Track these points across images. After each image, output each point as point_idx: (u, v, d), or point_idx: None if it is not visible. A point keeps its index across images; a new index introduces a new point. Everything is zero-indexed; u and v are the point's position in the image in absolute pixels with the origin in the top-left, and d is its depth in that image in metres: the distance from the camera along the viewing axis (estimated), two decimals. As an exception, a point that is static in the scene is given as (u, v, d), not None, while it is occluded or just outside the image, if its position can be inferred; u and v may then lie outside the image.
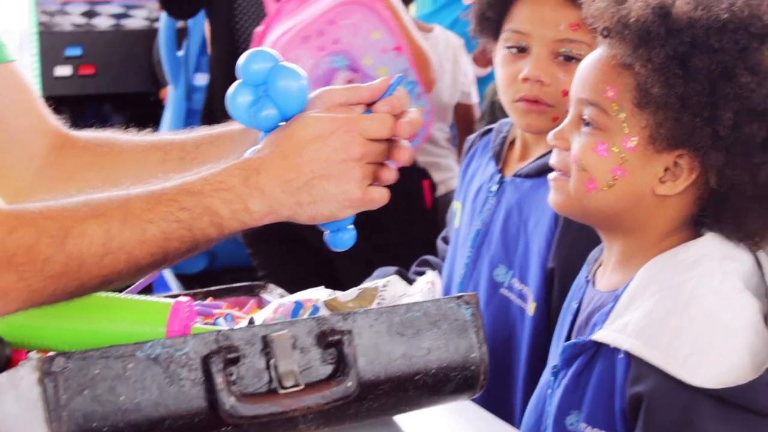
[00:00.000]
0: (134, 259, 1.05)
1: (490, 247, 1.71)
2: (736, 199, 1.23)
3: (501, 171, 1.75)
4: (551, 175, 1.33)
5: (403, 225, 2.53)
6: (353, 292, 1.33)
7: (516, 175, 1.71)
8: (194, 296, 1.58)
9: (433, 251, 1.97)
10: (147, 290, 1.33)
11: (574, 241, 1.57)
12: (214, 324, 1.34)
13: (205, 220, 1.07)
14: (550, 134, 1.33)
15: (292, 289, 2.69)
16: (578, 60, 1.59)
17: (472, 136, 1.92)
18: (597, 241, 1.55)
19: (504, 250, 1.68)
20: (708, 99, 1.19)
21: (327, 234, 1.19)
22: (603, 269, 1.36)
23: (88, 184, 1.22)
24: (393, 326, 1.13)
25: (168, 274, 3.80)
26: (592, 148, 1.27)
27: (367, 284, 1.34)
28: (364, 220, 2.48)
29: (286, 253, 2.69)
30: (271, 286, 1.64)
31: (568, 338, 1.37)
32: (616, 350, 1.22)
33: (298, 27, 2.34)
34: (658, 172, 1.25)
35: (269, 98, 1.15)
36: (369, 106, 1.18)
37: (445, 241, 1.93)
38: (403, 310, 1.14)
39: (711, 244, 1.25)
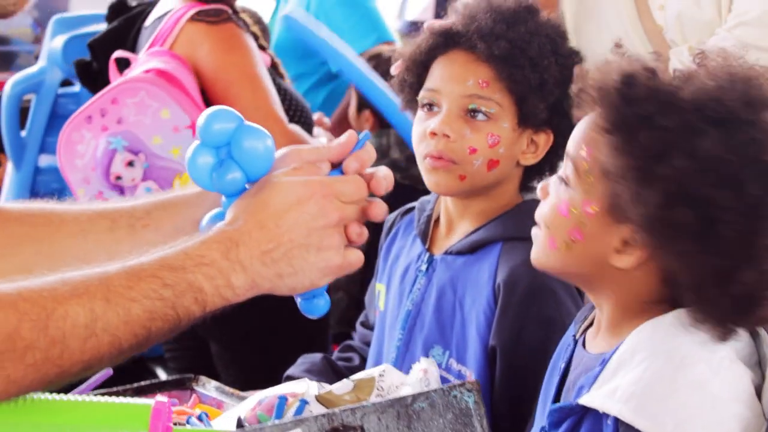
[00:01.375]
0: (117, 342, 0.99)
1: (423, 328, 1.68)
2: (686, 283, 1.21)
3: (429, 249, 1.73)
4: (533, 231, 1.33)
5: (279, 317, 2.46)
6: (347, 384, 1.30)
7: (447, 253, 1.69)
8: (124, 393, 1.49)
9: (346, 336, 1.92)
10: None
11: (517, 318, 1.56)
12: (187, 423, 1.25)
13: (189, 297, 1.03)
14: (540, 184, 1.33)
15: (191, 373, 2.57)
16: (488, 118, 1.62)
17: (392, 216, 1.90)
18: (541, 317, 1.56)
19: (439, 330, 1.66)
20: (640, 175, 1.19)
21: (300, 302, 1.15)
22: (594, 330, 1.35)
23: (25, 260, 1.17)
24: (401, 418, 1.12)
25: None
26: (556, 206, 1.27)
27: (359, 375, 1.30)
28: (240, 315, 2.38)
29: (176, 339, 2.56)
30: (203, 378, 1.57)
31: (556, 399, 1.35)
32: (604, 415, 1.20)
33: (85, 105, 2.31)
34: (614, 243, 1.24)
35: (233, 160, 1.10)
36: (335, 165, 1.15)
37: (365, 325, 1.89)
38: (409, 401, 1.14)
39: (694, 315, 1.24)
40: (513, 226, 1.64)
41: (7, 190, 3.67)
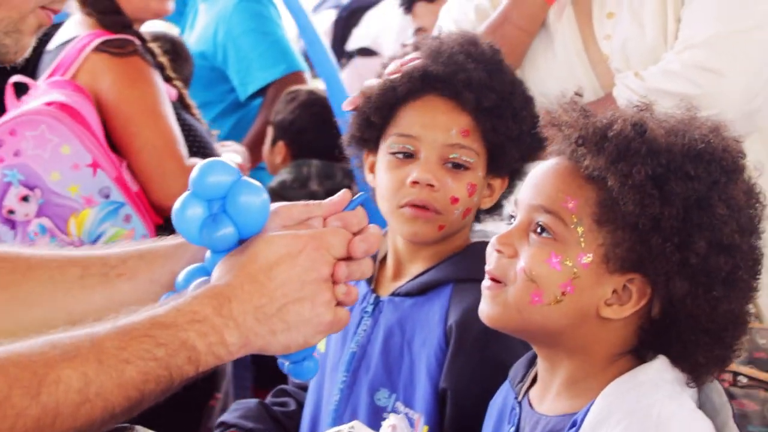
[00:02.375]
0: (110, 406, 0.95)
1: (369, 370, 1.64)
2: (687, 330, 1.22)
3: (374, 291, 1.70)
4: (485, 284, 1.29)
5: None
6: None
7: (394, 294, 1.66)
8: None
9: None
10: None
11: (470, 360, 1.54)
12: None
13: (182, 356, 0.99)
14: (495, 238, 1.28)
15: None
16: (466, 168, 1.60)
17: None
18: (494, 361, 1.53)
19: (386, 372, 1.62)
20: (682, 224, 1.19)
21: (288, 366, 1.10)
22: (541, 390, 1.32)
23: None
24: None
25: None
26: (544, 259, 1.23)
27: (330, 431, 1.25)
28: None
29: None
30: (139, 428, 1.50)
31: None
32: None
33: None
34: (606, 293, 1.23)
35: (227, 215, 1.06)
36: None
37: None
38: None
39: (664, 366, 1.24)
40: (465, 267, 1.62)
41: None
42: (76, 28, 2.40)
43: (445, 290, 1.62)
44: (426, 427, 1.56)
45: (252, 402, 1.78)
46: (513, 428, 1.33)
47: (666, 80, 1.82)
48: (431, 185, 1.59)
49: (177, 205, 1.07)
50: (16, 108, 2.28)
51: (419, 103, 1.63)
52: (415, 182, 1.59)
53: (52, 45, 2.43)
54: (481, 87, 1.60)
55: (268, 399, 1.85)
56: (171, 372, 0.98)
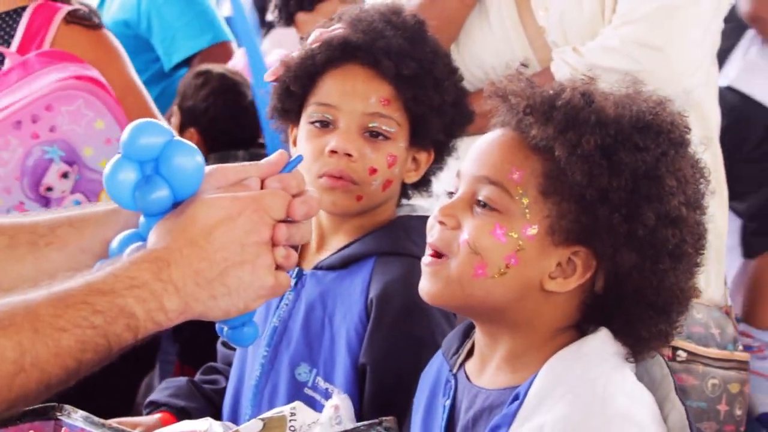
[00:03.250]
0: (46, 377, 0.91)
1: (290, 345, 1.61)
2: (632, 304, 1.21)
3: (297, 264, 1.66)
4: (425, 260, 1.25)
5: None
6: (257, 423, 1.20)
7: (316, 268, 1.63)
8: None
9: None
10: None
11: (390, 335, 1.52)
12: None
13: (121, 323, 0.95)
14: (438, 209, 1.25)
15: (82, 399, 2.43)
16: (386, 138, 1.58)
17: None
18: (414, 336, 1.52)
19: (306, 347, 1.60)
20: (630, 196, 1.18)
21: (228, 332, 1.07)
22: (480, 363, 1.30)
23: None
24: None
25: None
26: (489, 231, 1.21)
27: (269, 414, 1.21)
28: None
29: None
30: (68, 407, 1.46)
31: None
32: None
33: (11, 109, 2.12)
34: (550, 266, 1.21)
35: (161, 177, 1.02)
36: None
37: (226, 345, 1.81)
38: None
39: (607, 339, 1.23)
40: (388, 241, 1.60)
41: None
42: None
43: (368, 263, 1.59)
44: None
45: (182, 380, 1.75)
46: (449, 401, 1.31)
47: (605, 56, 1.82)
48: (349, 155, 1.56)
49: (107, 169, 1.04)
50: (11, 81, 2.17)
51: (339, 71, 1.60)
52: (333, 151, 1.57)
53: None
54: (400, 55, 1.57)
55: (198, 377, 1.82)
56: (109, 340, 0.95)
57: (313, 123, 1.61)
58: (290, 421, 1.21)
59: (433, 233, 1.26)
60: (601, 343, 1.22)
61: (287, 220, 1.06)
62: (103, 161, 2.14)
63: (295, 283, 1.65)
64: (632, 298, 1.21)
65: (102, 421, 1.43)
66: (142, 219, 1.06)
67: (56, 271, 1.04)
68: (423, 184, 1.70)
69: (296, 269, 1.66)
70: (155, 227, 1.03)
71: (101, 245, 1.10)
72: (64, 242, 1.13)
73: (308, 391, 1.58)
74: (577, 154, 1.18)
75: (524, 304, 1.23)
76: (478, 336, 1.31)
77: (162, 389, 1.75)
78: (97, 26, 2.30)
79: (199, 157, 1.05)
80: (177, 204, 1.04)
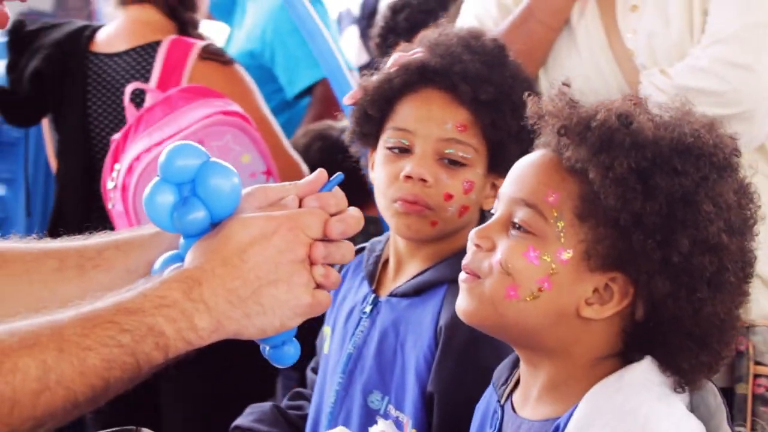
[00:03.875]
0: (72, 395, 0.92)
1: (363, 372, 1.60)
2: (669, 333, 1.16)
3: (375, 291, 1.66)
4: (461, 276, 1.23)
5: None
6: None
7: (391, 295, 1.62)
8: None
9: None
10: None
11: (457, 364, 1.49)
12: None
13: (149, 342, 0.96)
14: (473, 231, 1.23)
15: (118, 414, 2.48)
16: (463, 165, 1.55)
17: None
18: (481, 366, 1.46)
19: (379, 374, 1.59)
20: (665, 221, 1.14)
21: (268, 350, 1.08)
22: (523, 394, 1.26)
23: None
24: None
25: None
26: (522, 252, 1.18)
27: None
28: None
29: None
30: (145, 430, 1.48)
31: None
32: None
33: (165, 146, 2.19)
34: (586, 292, 1.17)
35: (198, 198, 1.04)
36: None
37: (315, 371, 1.81)
38: None
39: (651, 367, 1.18)
40: (460, 268, 1.57)
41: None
42: (146, 31, 2.38)
43: (440, 291, 1.57)
44: (414, 431, 1.52)
45: (266, 405, 1.76)
46: None
47: (693, 77, 1.75)
48: (424, 180, 1.55)
49: (146, 191, 1.06)
50: (156, 118, 2.25)
51: (416, 96, 1.59)
52: (408, 177, 1.55)
53: (106, 48, 2.41)
54: (477, 80, 1.55)
55: (284, 402, 1.82)
56: (137, 359, 0.96)
57: (390, 148, 1.60)
58: None
59: (468, 254, 1.24)
60: (645, 372, 1.17)
61: (327, 240, 1.05)
62: None
63: (371, 310, 1.64)
64: (669, 327, 1.16)
65: None
66: (181, 240, 1.08)
67: (103, 293, 1.06)
68: None
69: (372, 296, 1.65)
70: (192, 248, 1.04)
71: (146, 267, 1.12)
72: (110, 265, 1.16)
73: (380, 420, 1.53)
74: (610, 177, 1.14)
75: (560, 330, 1.19)
76: (522, 364, 1.28)
77: (247, 414, 1.75)
78: (230, 61, 2.38)
79: (236, 179, 1.05)
80: (215, 225, 1.05)
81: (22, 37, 2.53)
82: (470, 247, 1.25)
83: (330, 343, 1.72)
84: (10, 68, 2.49)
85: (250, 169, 2.21)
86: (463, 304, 1.23)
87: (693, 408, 1.21)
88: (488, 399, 1.34)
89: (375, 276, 1.68)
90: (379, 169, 1.61)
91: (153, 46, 2.36)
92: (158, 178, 1.06)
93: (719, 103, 1.68)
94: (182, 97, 2.25)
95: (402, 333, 1.58)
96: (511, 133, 1.56)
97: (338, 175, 1.10)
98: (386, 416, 1.56)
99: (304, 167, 2.43)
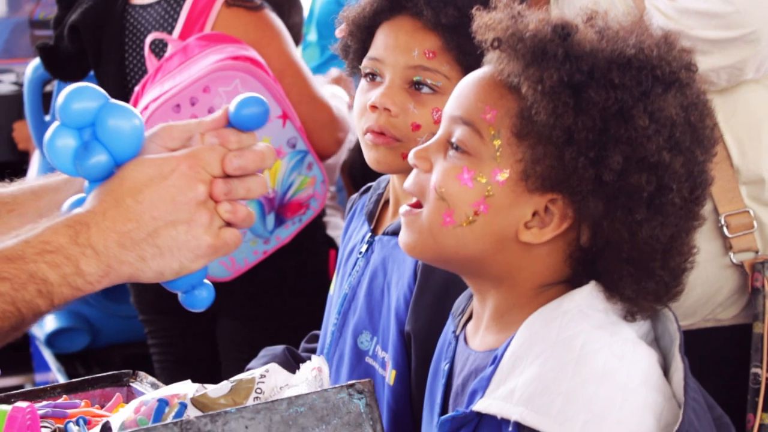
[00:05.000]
0: None
1: (356, 313, 1.58)
2: (608, 259, 1.10)
3: (374, 231, 1.62)
4: (402, 209, 1.18)
5: (304, 297, 2.40)
6: (225, 385, 1.18)
7: (384, 234, 1.58)
8: (52, 390, 1.46)
9: None
10: (27, 370, 1.21)
11: (434, 303, 1.44)
12: (65, 428, 1.22)
13: (31, 289, 0.94)
14: (412, 151, 1.19)
15: (180, 366, 2.54)
16: (434, 91, 1.49)
17: (353, 196, 1.80)
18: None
19: (368, 314, 1.56)
20: (597, 137, 1.07)
21: (181, 296, 1.06)
22: (475, 324, 1.22)
23: None
24: (273, 426, 1.00)
25: (47, 354, 3.62)
26: (456, 175, 1.13)
27: (241, 375, 1.21)
28: (261, 292, 2.28)
29: (177, 323, 2.53)
30: (142, 374, 1.50)
31: (443, 407, 1.23)
32: (504, 421, 1.07)
33: (170, 93, 2.19)
34: (525, 215, 1.12)
35: (98, 142, 1.02)
36: None
37: None
38: (284, 405, 1.01)
39: (596, 293, 1.12)
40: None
41: (35, 175, 3.73)
42: None
43: (424, 228, 1.53)
44: (394, 371, 1.49)
45: (279, 348, 1.75)
46: (447, 364, 1.24)
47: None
48: (388, 110, 1.49)
49: (47, 136, 1.04)
50: (173, 66, 2.27)
51: (388, 24, 1.54)
52: (372, 106, 1.50)
53: (141, 0, 2.42)
54: (440, 3, 1.48)
55: (302, 345, 1.82)
56: (18, 307, 0.94)
57: (365, 77, 1.56)
58: (258, 383, 1.18)
59: (409, 177, 1.19)
60: (586, 299, 1.11)
61: (231, 176, 1.02)
62: (264, 139, 2.17)
63: (366, 249, 1.61)
64: (608, 251, 1.09)
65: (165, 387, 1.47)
66: (86, 184, 1.06)
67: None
68: None
69: (369, 235, 1.62)
70: (92, 192, 1.02)
71: (57, 211, 1.10)
72: (24, 209, 1.15)
73: (369, 360, 1.55)
74: (540, 90, 1.07)
75: (502, 256, 1.14)
76: (473, 294, 1.23)
77: (260, 357, 1.75)
78: (258, 7, 2.33)
79: (137, 120, 1.03)
80: (120, 168, 1.03)
81: None
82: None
83: (334, 284, 1.71)
84: (56, 24, 2.53)
85: None
86: (403, 238, 1.19)
87: (658, 337, 1.15)
88: (446, 330, 1.31)
89: (375, 215, 1.65)
90: (355, 100, 1.58)
91: None
92: (58, 123, 1.04)
93: (723, 26, 1.59)
94: (199, 45, 2.24)
95: (389, 272, 1.55)
96: (482, 58, 1.51)
97: (249, 97, 1.05)
98: (374, 357, 1.54)
99: (339, 113, 2.40)
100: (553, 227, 1.11)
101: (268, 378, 1.18)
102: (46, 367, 3.67)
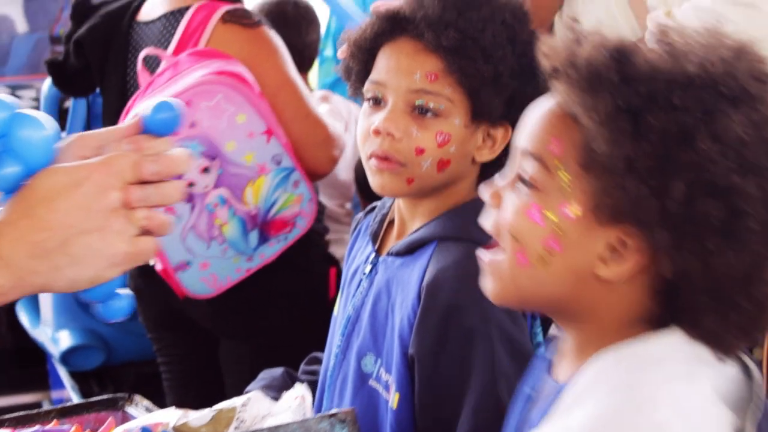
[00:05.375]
0: None
1: (360, 335, 1.55)
2: (686, 292, 1.02)
3: (379, 251, 1.59)
4: (481, 254, 1.12)
5: (302, 316, 2.37)
6: (207, 414, 1.16)
7: (388, 254, 1.55)
8: (46, 414, 1.44)
9: None
10: (45, 387, 1.17)
11: (439, 326, 1.41)
12: None
13: None
14: (482, 185, 1.14)
15: (187, 384, 2.51)
16: (437, 115, 1.47)
17: (359, 215, 1.77)
18: (466, 325, 1.40)
19: (372, 336, 1.52)
20: (658, 164, 1.00)
21: (97, 306, 1.03)
22: (560, 357, 1.16)
23: None
24: None
25: (62, 372, 3.60)
26: (525, 211, 1.06)
27: (223, 404, 1.17)
28: (255, 311, 2.27)
29: (181, 340, 2.51)
30: (137, 397, 1.49)
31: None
32: None
33: None
34: (600, 250, 1.04)
35: (9, 153, 0.99)
36: None
37: None
38: None
39: (678, 339, 1.05)
40: (451, 225, 1.49)
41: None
42: None
43: (429, 249, 1.49)
44: (397, 394, 1.45)
45: (278, 370, 1.73)
46: (530, 390, 1.19)
47: (696, 17, 1.61)
48: (392, 134, 1.47)
49: None
50: (162, 82, 2.26)
51: (389, 46, 1.51)
52: (376, 131, 1.48)
53: (146, 16, 2.42)
54: (440, 25, 1.45)
55: (301, 367, 1.79)
56: None
57: (367, 101, 1.53)
58: (240, 412, 1.14)
59: (487, 218, 1.13)
60: (665, 344, 1.04)
61: (147, 183, 0.99)
62: (247, 155, 2.17)
63: (370, 270, 1.58)
64: (684, 284, 1.02)
65: (161, 411, 1.43)
66: (2, 196, 1.03)
67: None
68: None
69: (373, 255, 1.59)
70: (6, 203, 0.99)
71: None
72: None
73: (372, 383, 1.51)
74: (596, 119, 1.01)
75: (583, 295, 1.06)
76: (557, 328, 1.18)
77: (258, 380, 1.72)
78: (255, 24, 2.31)
79: (47, 129, 1.00)
80: None
81: (85, 9, 2.56)
82: (486, 207, 1.14)
83: (338, 304, 1.67)
84: (67, 39, 2.52)
85: (246, 128, 2.15)
86: (487, 287, 1.13)
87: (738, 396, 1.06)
88: (539, 353, 1.26)
89: (379, 235, 1.62)
90: (358, 124, 1.55)
91: (182, 12, 2.34)
92: None
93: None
94: (189, 60, 2.22)
95: (393, 293, 1.51)
96: (484, 80, 1.46)
97: (162, 103, 1.03)
98: (378, 380, 1.50)
99: (335, 132, 2.37)
100: (630, 261, 1.04)
101: (249, 407, 1.15)
102: (62, 384, 3.65)
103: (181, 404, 1.60)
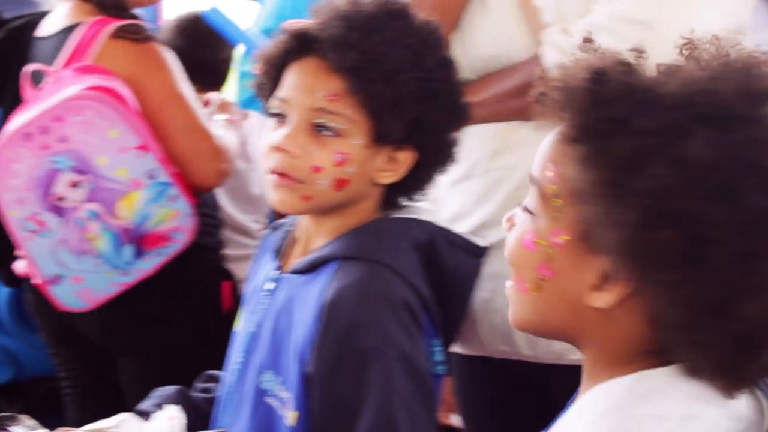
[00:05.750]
0: None
1: (260, 352, 1.54)
2: (664, 325, 0.99)
3: (283, 268, 1.58)
4: (507, 284, 1.11)
5: (194, 331, 2.36)
6: None
7: (291, 272, 1.55)
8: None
9: None
10: None
11: (337, 345, 1.41)
12: None
13: None
14: (507, 214, 1.12)
15: (85, 399, 2.48)
16: (336, 134, 1.47)
17: (265, 231, 1.77)
18: (362, 345, 1.39)
19: (272, 354, 1.52)
20: (611, 191, 0.97)
21: None
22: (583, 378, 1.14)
23: None
24: None
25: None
26: (521, 238, 1.06)
27: (94, 426, 1.15)
28: (142, 325, 2.26)
29: (78, 355, 2.48)
30: (23, 417, 1.46)
31: None
32: None
33: (22, 122, 2.16)
34: (589, 277, 1.01)
35: None
36: None
37: None
38: None
39: (678, 376, 1.00)
40: (354, 244, 1.50)
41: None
42: (73, 14, 2.36)
43: (331, 268, 1.49)
44: (296, 413, 1.45)
45: (172, 389, 1.69)
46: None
47: (592, 35, 1.63)
48: (290, 151, 1.48)
49: None
50: (41, 96, 2.24)
51: (297, 64, 1.52)
52: (276, 148, 1.49)
53: (44, 32, 2.40)
54: (343, 46, 1.46)
55: (195, 385, 1.76)
56: None
57: (273, 117, 1.53)
58: None
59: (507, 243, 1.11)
60: (658, 380, 1.01)
61: None
62: (119, 170, 2.17)
63: (274, 287, 1.57)
64: (658, 316, 0.99)
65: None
66: None
67: None
68: (416, 186, 1.57)
69: (276, 272, 1.58)
70: None
71: None
72: None
73: (269, 400, 1.51)
74: (601, 151, 0.99)
75: (582, 323, 1.05)
76: None
77: (151, 398, 1.68)
78: (144, 39, 2.31)
79: None
80: None
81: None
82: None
83: (242, 320, 1.65)
84: None
85: (118, 143, 2.15)
86: (510, 316, 1.11)
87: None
88: None
89: (282, 251, 1.62)
90: (262, 140, 1.55)
91: (73, 28, 2.32)
92: None
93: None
94: (72, 76, 2.21)
95: (294, 311, 1.51)
96: (386, 103, 1.47)
97: None
98: (275, 396, 1.49)
99: (223, 145, 2.37)
100: (617, 290, 1.01)
101: (120, 428, 1.12)
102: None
103: (80, 421, 1.58)
